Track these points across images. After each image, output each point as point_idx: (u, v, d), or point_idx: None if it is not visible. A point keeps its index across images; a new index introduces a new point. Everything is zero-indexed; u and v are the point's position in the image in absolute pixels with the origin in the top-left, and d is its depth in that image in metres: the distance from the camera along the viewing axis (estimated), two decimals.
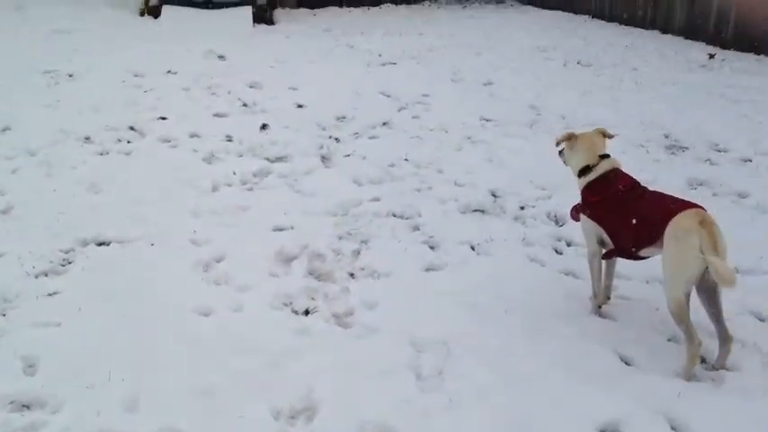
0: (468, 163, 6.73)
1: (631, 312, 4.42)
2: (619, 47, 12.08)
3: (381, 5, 15.88)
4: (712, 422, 3.48)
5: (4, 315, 4.17)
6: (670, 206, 3.91)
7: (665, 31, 13.04)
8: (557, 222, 5.65)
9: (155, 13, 13.17)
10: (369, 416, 3.47)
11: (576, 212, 4.47)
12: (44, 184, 5.96)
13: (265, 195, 6.02)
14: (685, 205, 3.88)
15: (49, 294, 4.41)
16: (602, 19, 14.58)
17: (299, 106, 8.47)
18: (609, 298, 4.50)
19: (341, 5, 15.66)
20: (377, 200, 5.93)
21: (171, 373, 3.75)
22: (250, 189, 6.15)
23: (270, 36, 12.51)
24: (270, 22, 13.69)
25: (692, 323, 3.79)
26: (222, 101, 8.52)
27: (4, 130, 7.18)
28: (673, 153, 7.19)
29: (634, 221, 4.00)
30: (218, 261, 4.93)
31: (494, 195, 6.06)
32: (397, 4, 16.10)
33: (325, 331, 4.22)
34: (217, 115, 8.00)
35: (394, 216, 5.66)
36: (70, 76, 9.37)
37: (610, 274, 4.48)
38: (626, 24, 13.92)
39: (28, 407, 3.49)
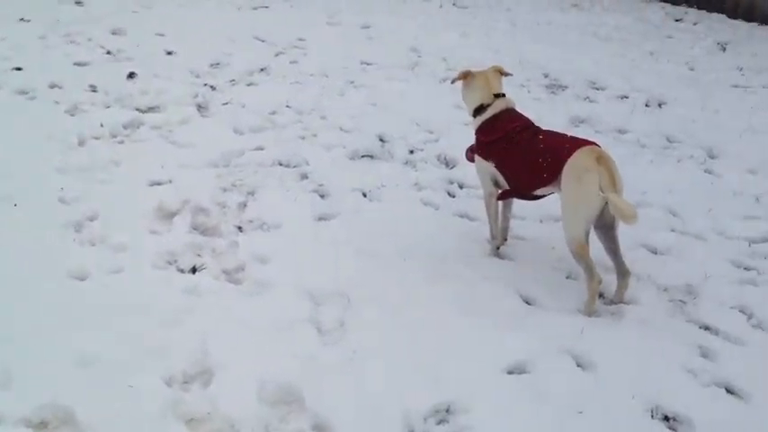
0: (351, 108, 6.52)
1: (529, 252, 4.41)
2: None
3: None
4: (615, 356, 3.52)
5: None
6: (566, 145, 3.87)
7: None
8: (447, 165, 5.57)
9: None
10: (269, 375, 3.27)
11: (470, 153, 4.37)
12: None
13: (138, 148, 5.59)
14: (580, 143, 3.85)
15: None
16: None
17: (169, 53, 7.93)
18: (506, 239, 4.46)
19: None
20: (260, 149, 5.64)
21: (47, 342, 3.40)
22: (121, 142, 5.70)
23: None
24: None
25: (592, 260, 3.79)
26: (83, 49, 7.84)
27: None
28: (553, 92, 7.25)
29: (529, 161, 3.95)
30: (92, 220, 4.53)
31: (381, 140, 5.89)
32: None
33: (215, 289, 3.96)
34: (78, 64, 7.37)
35: (280, 165, 5.40)
36: None
37: (506, 215, 4.44)
38: None
39: None
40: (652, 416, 3.21)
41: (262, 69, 7.51)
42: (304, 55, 8.10)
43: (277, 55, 8.07)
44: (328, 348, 3.50)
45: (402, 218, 4.73)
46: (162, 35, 8.53)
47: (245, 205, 4.83)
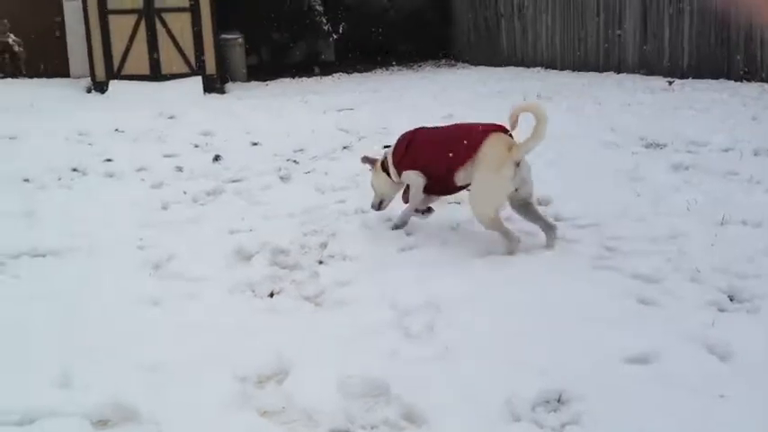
0: None
1: (640, 261, 3.92)
2: (576, 85, 11.94)
3: (333, 74, 15.76)
4: (754, 342, 2.97)
5: None
6: (475, 130, 4.23)
7: (619, 71, 13.02)
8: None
9: (101, 88, 12.81)
10: (352, 371, 2.88)
11: (404, 195, 4.70)
12: None
13: (220, 208, 5.50)
14: (489, 128, 4.17)
15: None
16: (554, 69, 14.58)
17: (254, 144, 8.03)
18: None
19: (293, 77, 15.49)
20: (342, 202, 5.44)
21: (112, 351, 3.14)
22: (203, 204, 5.62)
23: (221, 100, 12.20)
24: (221, 91, 13.41)
25: (505, 226, 4.17)
26: (171, 146, 8.02)
27: None
28: (652, 149, 6.84)
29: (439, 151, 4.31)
30: (169, 260, 4.35)
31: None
32: (349, 73, 16.00)
33: (294, 308, 3.65)
34: (166, 156, 7.50)
35: (363, 212, 5.16)
36: (11, 138, 8.84)
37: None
38: (579, 71, 13.89)
39: None
40: None
41: (345, 147, 7.46)
42: (387, 136, 8.01)
43: (360, 139, 8.05)
44: (417, 346, 3.10)
45: (498, 243, 4.34)
46: (248, 133, 8.68)
47: (326, 245, 4.57)
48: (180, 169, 6.72)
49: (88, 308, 3.66)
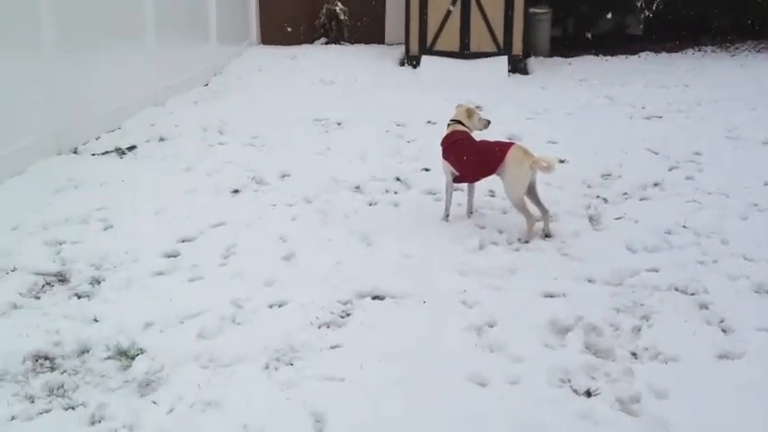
0: (756, 234, 6.10)
1: None
2: None
3: (640, 54, 15.21)
4: None
5: (292, 365, 4.33)
6: (497, 147, 6.19)
7: None
8: None
9: (414, 62, 13.60)
10: None
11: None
12: (321, 233, 6.23)
13: (533, 258, 5.82)
14: (507, 144, 6.18)
15: (332, 347, 4.52)
16: None
17: (561, 161, 8.19)
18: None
19: (596, 54, 15.22)
20: (655, 270, 5.52)
21: None
22: (517, 250, 5.99)
23: (525, 87, 12.42)
24: (524, 71, 13.63)
25: (527, 208, 6.05)
26: None
27: (283, 176, 7.67)
28: None
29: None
30: (491, 326, 4.80)
31: None
32: (657, 52, 15.34)
33: (610, 418, 3.92)
34: None
35: (676, 290, 5.22)
36: (338, 124, 9.88)
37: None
38: None
39: None
40: None
41: (655, 184, 7.41)
42: (699, 171, 7.83)
43: (671, 169, 7.92)
44: None
45: None
46: (554, 143, 8.88)
47: (638, 330, 4.75)
48: (492, 194, 7.13)
49: (425, 380, 4.20)
